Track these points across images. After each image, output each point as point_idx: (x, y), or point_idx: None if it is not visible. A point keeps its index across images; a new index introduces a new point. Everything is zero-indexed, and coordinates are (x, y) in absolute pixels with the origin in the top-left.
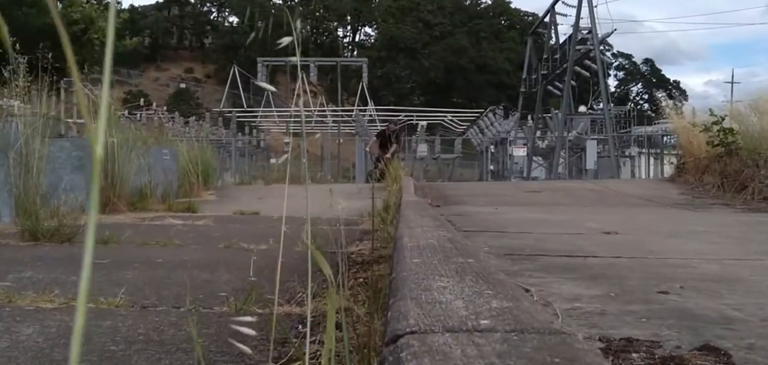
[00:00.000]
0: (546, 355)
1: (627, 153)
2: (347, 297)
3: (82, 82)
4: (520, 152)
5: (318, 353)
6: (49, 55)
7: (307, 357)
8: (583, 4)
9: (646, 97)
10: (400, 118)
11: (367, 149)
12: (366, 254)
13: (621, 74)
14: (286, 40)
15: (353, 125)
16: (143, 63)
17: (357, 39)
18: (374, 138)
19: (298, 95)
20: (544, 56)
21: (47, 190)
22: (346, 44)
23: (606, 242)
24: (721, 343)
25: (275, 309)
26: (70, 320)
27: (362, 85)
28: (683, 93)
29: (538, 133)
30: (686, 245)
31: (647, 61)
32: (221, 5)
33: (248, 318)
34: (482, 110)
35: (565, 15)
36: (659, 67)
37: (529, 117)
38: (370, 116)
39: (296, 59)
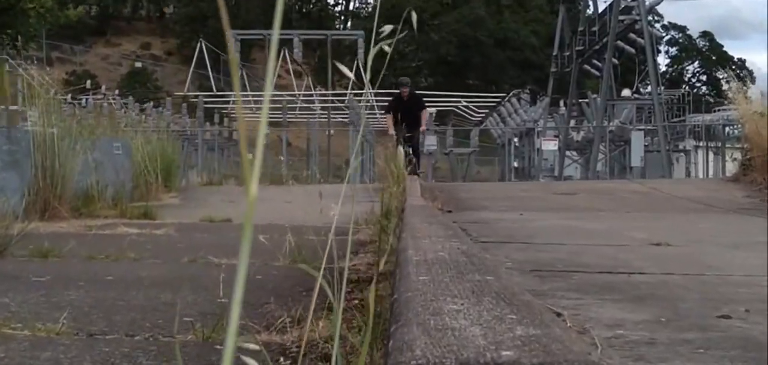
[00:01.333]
0: None
1: (681, 147)
2: (340, 322)
3: (15, 60)
4: (550, 145)
5: None
6: None
7: None
8: None
9: (703, 78)
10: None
11: (391, 132)
12: (362, 270)
13: (673, 51)
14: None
15: (346, 112)
16: (90, 37)
17: (351, 7)
18: (387, 113)
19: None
20: (580, 29)
21: None
22: (337, 14)
23: (655, 256)
24: None
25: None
26: (1, 350)
27: (357, 63)
28: (749, 73)
29: (573, 122)
30: (752, 259)
31: (705, 35)
32: None
33: (253, 346)
34: (504, 95)
35: None
36: (720, 41)
37: (562, 103)
38: (368, 101)
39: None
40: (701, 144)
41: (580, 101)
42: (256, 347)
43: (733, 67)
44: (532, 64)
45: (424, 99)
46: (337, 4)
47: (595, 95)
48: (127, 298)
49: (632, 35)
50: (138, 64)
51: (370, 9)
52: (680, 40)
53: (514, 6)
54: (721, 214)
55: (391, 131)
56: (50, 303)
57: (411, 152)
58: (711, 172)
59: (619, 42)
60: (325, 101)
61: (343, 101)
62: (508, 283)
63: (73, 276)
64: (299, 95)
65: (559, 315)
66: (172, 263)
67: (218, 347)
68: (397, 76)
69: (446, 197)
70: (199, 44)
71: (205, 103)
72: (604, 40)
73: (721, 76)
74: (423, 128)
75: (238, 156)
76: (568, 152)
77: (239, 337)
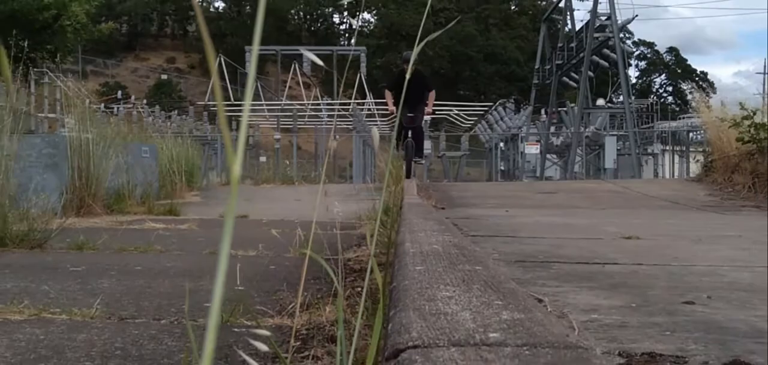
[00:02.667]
0: None
1: (649, 151)
2: (344, 307)
3: (53, 73)
4: (532, 149)
5: None
6: (26, 43)
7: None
8: None
9: (670, 89)
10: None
11: (391, 108)
12: (364, 261)
13: (643, 64)
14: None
15: (350, 119)
16: (121, 52)
17: (355, 26)
18: (388, 91)
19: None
20: (559, 45)
21: (16, 191)
22: (342, 32)
23: (626, 248)
24: (753, 358)
25: (296, 319)
26: (41, 332)
27: (360, 76)
28: (711, 85)
29: (553, 128)
30: (714, 251)
31: (672, 50)
32: None
33: (264, 332)
34: (491, 104)
35: (582, 0)
36: (685, 56)
37: (543, 111)
38: (369, 110)
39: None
40: (668, 148)
41: (559, 109)
42: (266, 333)
43: (697, 79)
44: (517, 76)
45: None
46: (341, 22)
47: (572, 104)
48: (154, 286)
49: (606, 51)
50: (164, 77)
51: (371, 27)
52: (649, 55)
53: (501, 24)
54: (685, 211)
55: (392, 107)
56: (85, 290)
57: (410, 136)
58: (676, 173)
59: (594, 57)
60: (331, 109)
61: (347, 109)
62: (495, 272)
63: (105, 266)
64: (308, 104)
65: (540, 301)
66: (195, 255)
67: (235, 329)
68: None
69: (440, 195)
70: (218, 59)
71: (225, 112)
72: (581, 55)
73: (685, 88)
74: (429, 110)
75: (254, 159)
76: (548, 155)
77: (254, 321)
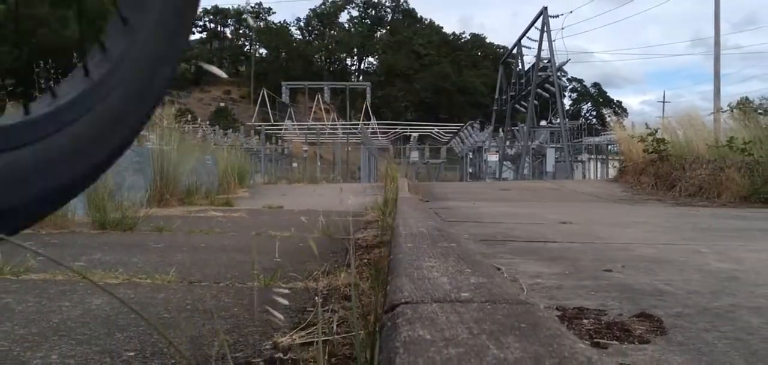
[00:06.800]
0: (514, 321)
1: (579, 159)
2: (355, 274)
3: None
4: (492, 157)
5: (330, 319)
6: None
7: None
8: (543, 39)
9: (594, 113)
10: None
11: None
12: (369, 240)
13: (574, 95)
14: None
15: (359, 136)
16: (189, 85)
17: (362, 67)
18: None
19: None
20: (513, 80)
21: (113, 188)
22: (353, 71)
23: (562, 231)
24: (655, 311)
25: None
26: (132, 292)
27: (366, 104)
28: (624, 111)
29: (508, 142)
30: (627, 232)
31: (595, 85)
32: (253, 40)
33: (284, 290)
34: (462, 124)
35: (530, 48)
36: (605, 89)
37: (500, 130)
38: (373, 129)
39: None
40: (593, 157)
41: (512, 128)
42: (286, 290)
43: (614, 106)
44: (481, 104)
45: (410, 127)
46: (352, 64)
47: (522, 124)
48: (215, 258)
49: (547, 85)
50: (222, 104)
51: (374, 68)
52: (579, 89)
53: (470, 65)
54: (606, 203)
55: None
56: (164, 261)
57: None
58: (599, 175)
59: (538, 89)
60: (345, 128)
61: (356, 128)
62: (466, 248)
63: (179, 244)
64: (328, 124)
65: (499, 269)
66: (244, 236)
67: (275, 290)
68: (393, 112)
69: (425, 192)
70: (262, 91)
71: (266, 130)
72: (529, 88)
73: (605, 112)
74: None
75: (288, 165)
76: (504, 162)
77: (287, 284)
